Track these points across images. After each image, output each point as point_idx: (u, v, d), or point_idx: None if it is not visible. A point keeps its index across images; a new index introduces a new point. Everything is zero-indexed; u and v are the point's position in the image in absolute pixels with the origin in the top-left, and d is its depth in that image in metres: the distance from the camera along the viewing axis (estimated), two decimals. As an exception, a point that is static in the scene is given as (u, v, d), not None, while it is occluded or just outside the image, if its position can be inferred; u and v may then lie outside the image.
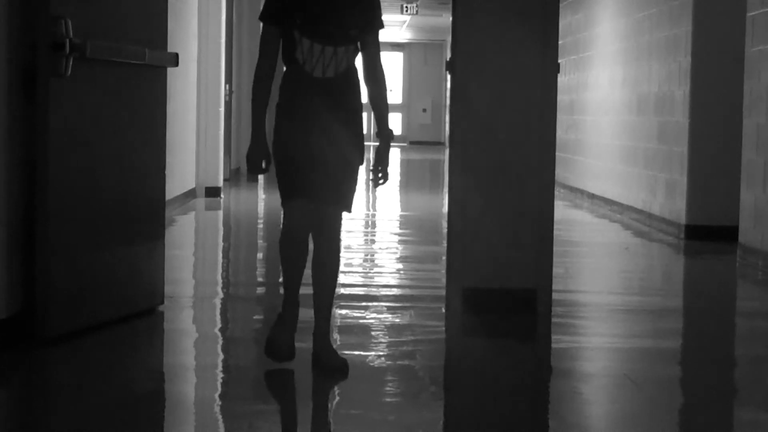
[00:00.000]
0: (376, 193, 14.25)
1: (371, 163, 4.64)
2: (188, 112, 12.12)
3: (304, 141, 4.53)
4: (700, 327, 6.19)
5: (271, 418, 4.11)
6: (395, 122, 34.99)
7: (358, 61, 4.68)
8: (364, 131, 4.71)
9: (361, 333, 5.51)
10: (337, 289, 5.69)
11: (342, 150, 4.58)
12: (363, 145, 4.67)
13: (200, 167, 12.77)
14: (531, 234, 6.03)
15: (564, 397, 4.56)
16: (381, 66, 4.68)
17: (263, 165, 4.59)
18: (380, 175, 4.64)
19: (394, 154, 26.84)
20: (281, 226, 4.66)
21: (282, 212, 4.63)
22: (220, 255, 8.83)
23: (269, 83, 4.61)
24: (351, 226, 10.56)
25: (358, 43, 4.63)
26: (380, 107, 4.70)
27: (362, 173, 4.66)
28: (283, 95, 4.63)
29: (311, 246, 4.70)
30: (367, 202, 13.26)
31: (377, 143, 4.69)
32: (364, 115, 4.74)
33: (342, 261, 4.88)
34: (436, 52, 35.49)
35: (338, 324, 5.62)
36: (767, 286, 7.62)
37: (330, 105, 4.56)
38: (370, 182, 4.57)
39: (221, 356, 5.20)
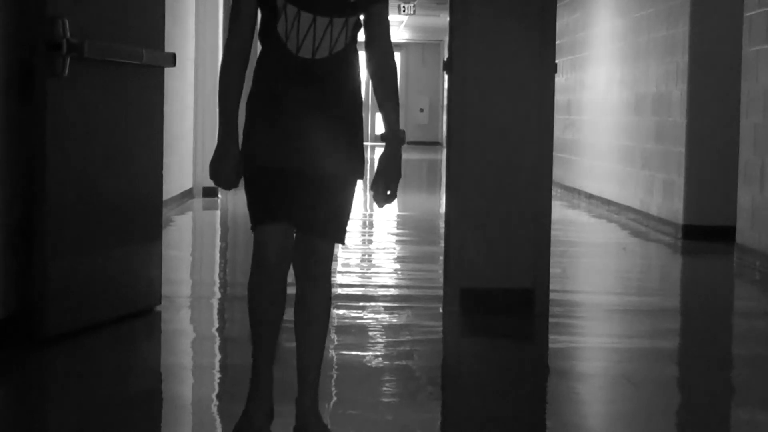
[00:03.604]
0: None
1: (375, 175, 3.53)
2: (185, 112, 12.12)
3: (285, 147, 3.40)
4: (697, 327, 6.19)
5: (268, 418, 4.10)
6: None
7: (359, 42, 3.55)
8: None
9: (358, 333, 5.51)
10: (334, 290, 5.65)
11: (336, 160, 3.45)
12: (363, 154, 3.55)
13: (197, 167, 12.76)
14: (528, 234, 6.03)
15: (561, 397, 4.56)
16: (391, 48, 3.53)
17: (233, 176, 3.52)
18: (388, 191, 3.52)
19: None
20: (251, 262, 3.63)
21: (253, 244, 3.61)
22: (218, 255, 8.82)
23: (243, 69, 3.46)
24: (349, 226, 10.55)
25: (361, 17, 3.45)
26: (388, 102, 3.60)
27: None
28: (258, 83, 3.46)
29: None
30: (365, 202, 13.25)
31: (383, 148, 3.56)
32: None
33: (332, 306, 3.93)
34: (434, 52, 35.50)
35: (335, 324, 5.62)
36: (764, 286, 7.62)
37: (321, 97, 3.41)
38: (374, 199, 3.57)
39: (218, 356, 5.20)
